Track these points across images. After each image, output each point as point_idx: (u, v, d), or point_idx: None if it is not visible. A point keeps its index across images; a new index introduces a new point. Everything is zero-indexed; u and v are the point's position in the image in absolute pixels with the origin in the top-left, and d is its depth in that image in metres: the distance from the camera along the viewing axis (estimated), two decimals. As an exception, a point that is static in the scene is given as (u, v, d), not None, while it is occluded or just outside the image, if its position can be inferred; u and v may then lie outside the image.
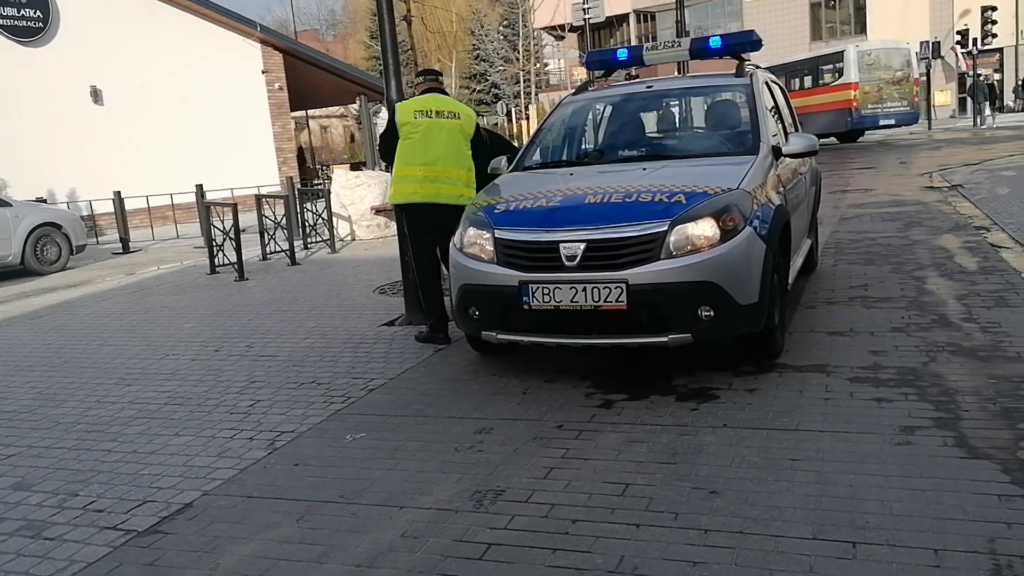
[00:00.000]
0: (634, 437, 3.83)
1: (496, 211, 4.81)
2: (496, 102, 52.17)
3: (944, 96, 40.20)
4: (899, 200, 11.78)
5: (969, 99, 33.06)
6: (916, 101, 26.87)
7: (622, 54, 6.29)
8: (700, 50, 6.11)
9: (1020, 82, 35.11)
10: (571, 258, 4.33)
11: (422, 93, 6.00)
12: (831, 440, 3.59)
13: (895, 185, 13.85)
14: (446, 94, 6.09)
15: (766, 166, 4.99)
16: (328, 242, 11.71)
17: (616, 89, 6.23)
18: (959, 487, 3.04)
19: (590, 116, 6.26)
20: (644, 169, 5.05)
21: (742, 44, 6.05)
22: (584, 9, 19.19)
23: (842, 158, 21.32)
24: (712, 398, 4.26)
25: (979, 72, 32.96)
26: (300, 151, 35.67)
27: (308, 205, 12.51)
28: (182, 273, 10.83)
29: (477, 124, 5.99)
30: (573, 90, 6.45)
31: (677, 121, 6.25)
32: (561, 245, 4.37)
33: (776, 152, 5.23)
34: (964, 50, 32.33)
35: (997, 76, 37.34)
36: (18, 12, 17.79)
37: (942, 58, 37.26)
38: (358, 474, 3.66)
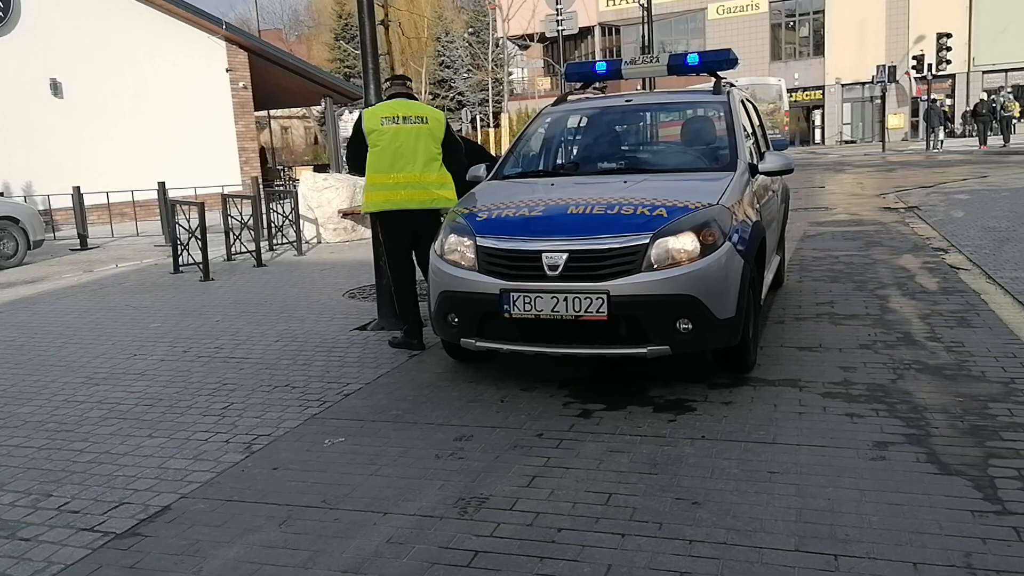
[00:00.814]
0: (614, 447, 3.86)
1: (478, 219, 4.83)
2: (460, 109, 52.18)
3: (897, 119, 41.23)
4: (858, 220, 12.05)
5: (923, 122, 33.91)
6: (786, 130, 31.23)
7: (601, 67, 6.36)
8: (678, 66, 6.20)
9: (970, 108, 36.13)
10: (553, 268, 4.37)
11: (389, 98, 5.96)
12: (808, 454, 3.66)
13: (854, 205, 14.17)
14: (414, 99, 6.02)
15: (743, 182, 5.08)
16: (294, 244, 11.61)
17: (595, 102, 6.30)
18: (934, 502, 3.13)
19: (569, 127, 6.31)
20: (625, 182, 5.11)
21: (719, 62, 6.15)
22: (558, 21, 19.32)
23: (799, 178, 21.72)
24: (689, 410, 4.31)
25: (934, 97, 33.92)
26: (262, 151, 35.32)
27: (274, 206, 12.38)
28: (144, 272, 10.64)
29: (448, 126, 5.93)
30: (552, 100, 6.50)
31: (654, 135, 6.33)
32: (544, 254, 4.40)
33: (752, 169, 5.33)
34: (918, 75, 33.18)
35: (948, 101, 38.41)
36: (-23, 1, 17.37)
37: (896, 82, 38.22)
38: (339, 479, 3.64)
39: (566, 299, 4.32)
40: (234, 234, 10.88)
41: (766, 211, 5.55)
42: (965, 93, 39.41)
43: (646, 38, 24.41)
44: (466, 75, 55.37)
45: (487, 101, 52.81)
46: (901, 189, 16.31)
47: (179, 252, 10.08)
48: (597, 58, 47.61)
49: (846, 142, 43.93)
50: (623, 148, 6.07)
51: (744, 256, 4.54)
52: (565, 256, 4.36)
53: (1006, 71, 38.98)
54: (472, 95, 55.05)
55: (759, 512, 3.14)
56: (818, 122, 45.70)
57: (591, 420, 4.24)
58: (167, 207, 10.43)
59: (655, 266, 4.32)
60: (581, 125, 6.27)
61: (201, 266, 9.51)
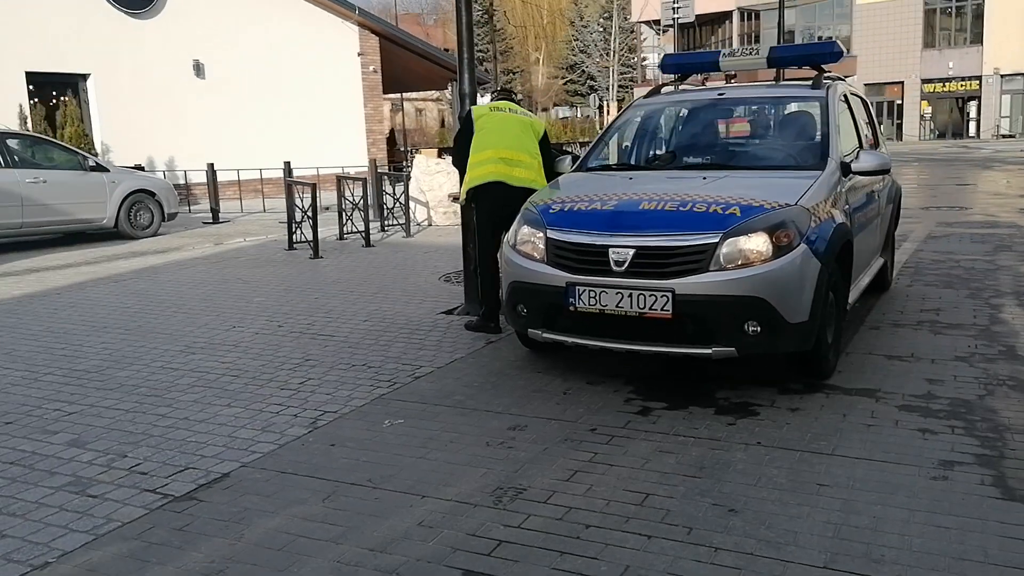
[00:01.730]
0: (664, 447, 3.82)
1: (551, 211, 4.84)
2: (591, 94, 51.99)
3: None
4: (993, 221, 11.29)
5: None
6: None
7: (698, 59, 6.23)
8: (778, 59, 5.99)
9: None
10: (620, 263, 4.33)
11: (496, 99, 6.40)
12: (865, 468, 3.51)
13: (992, 205, 13.27)
14: (517, 104, 6.43)
15: (832, 182, 4.87)
16: (404, 226, 11.93)
17: (688, 95, 6.16)
18: (986, 528, 2.94)
19: (658, 120, 6.21)
20: (704, 178, 4.99)
21: (822, 55, 5.90)
22: (674, 8, 18.92)
23: (937, 174, 20.52)
24: (752, 414, 4.21)
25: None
26: (392, 133, 36.33)
27: (388, 188, 12.74)
28: (262, 247, 11.21)
29: (546, 132, 6.25)
30: (646, 92, 6.41)
31: (747, 130, 6.14)
32: (610, 250, 4.37)
33: (845, 168, 5.10)
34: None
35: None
36: (128, -16, 18.60)
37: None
38: (389, 460, 3.76)
39: (631, 295, 4.28)
40: (346, 214, 11.28)
41: (860, 212, 5.30)
42: None
43: (781, 26, 23.53)
44: (598, 60, 55.02)
45: (622, 87, 52.34)
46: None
47: (292, 230, 10.55)
48: (734, 44, 46.33)
49: (1003, 136, 41.08)
50: (709, 143, 5.92)
51: (822, 259, 4.36)
52: (632, 252, 4.32)
53: None
54: (603, 80, 54.66)
55: (796, 525, 3.04)
56: (973, 114, 42.96)
57: (648, 418, 4.20)
58: (287, 187, 10.94)
59: (724, 266, 4.21)
60: (670, 118, 6.16)
61: (312, 244, 9.93)
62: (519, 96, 6.82)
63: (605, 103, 45.15)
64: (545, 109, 58.61)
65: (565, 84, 58.41)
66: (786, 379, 4.69)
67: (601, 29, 56.09)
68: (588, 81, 56.46)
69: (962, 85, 42.97)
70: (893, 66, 43.40)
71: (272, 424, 4.27)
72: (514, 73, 58.18)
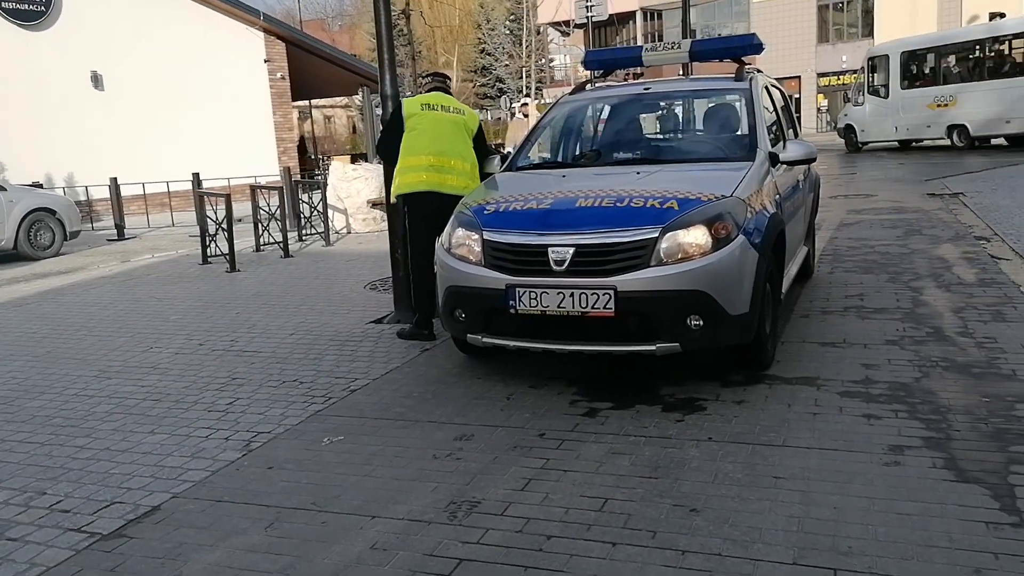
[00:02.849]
0: (617, 449, 3.74)
1: (486, 212, 4.71)
2: (500, 96, 52.04)
3: (955, 102, 39.98)
4: (900, 207, 11.68)
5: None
6: None
7: (620, 54, 6.20)
8: (700, 52, 6.01)
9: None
10: (560, 262, 4.24)
11: (428, 91, 6.08)
12: (818, 457, 3.50)
13: (895, 191, 13.75)
14: (451, 95, 6.13)
15: (762, 173, 4.89)
16: (322, 235, 11.62)
17: (613, 90, 6.13)
18: (946, 512, 2.95)
19: (586, 117, 6.16)
20: (638, 173, 4.95)
21: (743, 47, 5.94)
22: (588, 7, 19.05)
23: (834, 165, 21.25)
24: (699, 409, 4.17)
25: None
26: (302, 141, 35.58)
27: (304, 196, 12.40)
28: (174, 263, 10.74)
29: (480, 126, 6.04)
30: (571, 89, 6.36)
31: (675, 124, 6.14)
32: (550, 249, 4.28)
33: (773, 159, 5.14)
34: (971, 56, 32.13)
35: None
36: (20, -5, 17.69)
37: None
38: (332, 480, 3.57)
39: (572, 295, 4.19)
40: (262, 225, 10.92)
41: (788, 202, 5.35)
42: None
43: (686, 23, 23.96)
44: (506, 63, 55.21)
45: (528, 88, 52.58)
46: (948, 175, 15.77)
47: (207, 243, 10.14)
48: (639, 43, 47.13)
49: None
50: (640, 138, 5.91)
51: (759, 249, 4.36)
52: (572, 250, 4.23)
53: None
54: (512, 82, 54.86)
55: (759, 521, 2.99)
56: (866, 105, 44.63)
57: (596, 419, 4.11)
58: (198, 199, 10.53)
59: (665, 260, 4.17)
60: (598, 114, 6.12)
61: (228, 257, 9.55)
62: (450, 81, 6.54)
63: (516, 106, 45.35)
64: (459, 112, 58.21)
65: (474, 87, 58.38)
66: (727, 371, 4.68)
67: (508, 32, 56.30)
68: (497, 84, 56.56)
69: (855, 77, 44.60)
70: (790, 61, 44.72)
71: (202, 449, 4.01)
72: (425, 78, 57.78)
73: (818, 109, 46.49)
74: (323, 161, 29.07)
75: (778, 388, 4.40)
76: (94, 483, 3.67)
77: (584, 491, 3.33)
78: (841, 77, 44.88)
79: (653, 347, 4.22)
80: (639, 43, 47.00)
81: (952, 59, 22.78)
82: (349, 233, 12.55)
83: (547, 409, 4.30)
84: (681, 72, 24.08)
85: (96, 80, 18.90)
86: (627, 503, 3.20)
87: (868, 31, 42.18)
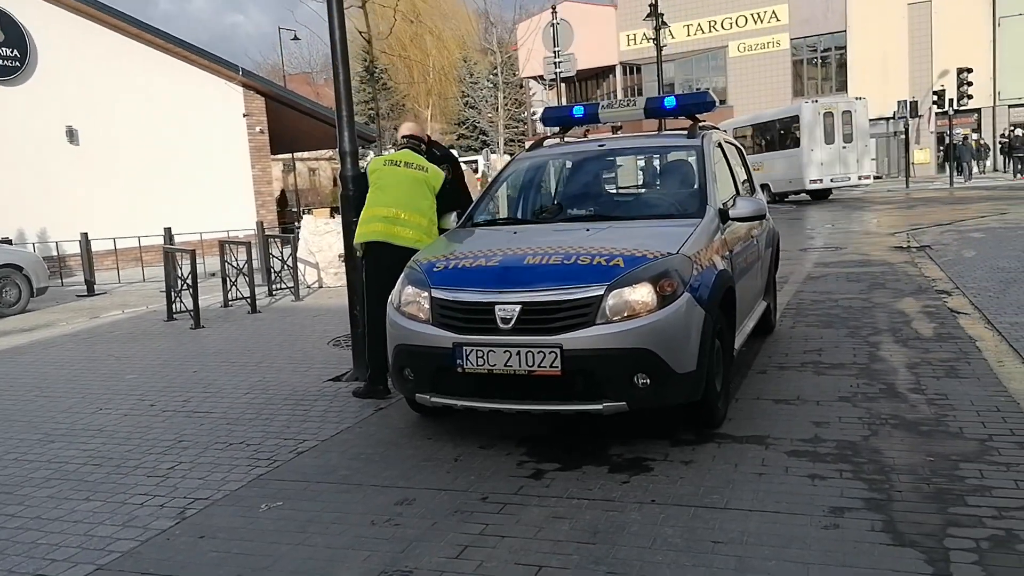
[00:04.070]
0: (558, 512, 3.67)
1: (435, 269, 4.70)
2: (484, 148, 52.57)
3: (924, 155, 40.70)
4: (866, 260, 11.77)
5: (949, 158, 33.44)
6: None
7: (578, 111, 6.25)
8: (655, 110, 6.07)
9: (1003, 141, 35.39)
10: (506, 320, 4.21)
11: (398, 150, 6.21)
12: (758, 520, 3.44)
13: (865, 244, 13.87)
14: (422, 153, 6.21)
15: (711, 230, 4.91)
16: (292, 289, 11.56)
17: (569, 147, 6.17)
18: (880, 579, 2.90)
19: (542, 173, 6.19)
20: (588, 230, 4.96)
21: (696, 105, 6.01)
22: (555, 64, 19.37)
23: (814, 216, 21.48)
24: (646, 470, 4.11)
25: (963, 133, 33.57)
26: (283, 194, 35.69)
27: (275, 251, 12.37)
28: (139, 319, 10.63)
29: (446, 182, 6.07)
30: (528, 145, 6.40)
31: (629, 180, 6.18)
32: (496, 307, 4.25)
33: (723, 215, 5.16)
34: (940, 110, 32.84)
35: (975, 136, 37.78)
36: (-5, 51, 17.80)
37: (920, 117, 37.75)
38: (264, 549, 3.48)
39: (519, 353, 4.16)
40: (231, 280, 10.85)
41: (740, 258, 5.36)
42: (991, 127, 38.86)
43: (660, 79, 24.44)
44: (489, 116, 55.83)
45: (511, 141, 53.15)
46: (917, 227, 15.95)
47: (172, 299, 10.05)
48: (619, 96, 47.84)
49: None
50: (592, 195, 5.93)
51: (706, 306, 4.35)
52: (518, 308, 4.21)
53: (1032, 105, 38.43)
54: (495, 135, 55.43)
55: (692, 589, 2.93)
56: (841, 157, 45.28)
57: (541, 482, 4.05)
58: (167, 254, 10.46)
59: (611, 318, 4.15)
60: (553, 171, 6.16)
61: (192, 313, 9.47)
62: (435, 144, 6.62)
63: (491, 157, 45.76)
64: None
65: (458, 139, 58.91)
66: (678, 429, 4.63)
67: (491, 85, 57.02)
68: (480, 136, 57.10)
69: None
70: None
71: (135, 517, 3.91)
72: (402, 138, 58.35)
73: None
74: (305, 213, 29.14)
75: (727, 447, 4.36)
76: (17, 554, 3.56)
77: (520, 558, 3.25)
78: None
79: (600, 406, 4.17)
80: (619, 96, 47.75)
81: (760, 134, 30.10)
82: (320, 287, 12.49)
83: (493, 471, 4.23)
84: (658, 127, 24.45)
85: (71, 135, 18.94)
86: (561, 571, 3.13)
87: (842, 84, 42.99)
